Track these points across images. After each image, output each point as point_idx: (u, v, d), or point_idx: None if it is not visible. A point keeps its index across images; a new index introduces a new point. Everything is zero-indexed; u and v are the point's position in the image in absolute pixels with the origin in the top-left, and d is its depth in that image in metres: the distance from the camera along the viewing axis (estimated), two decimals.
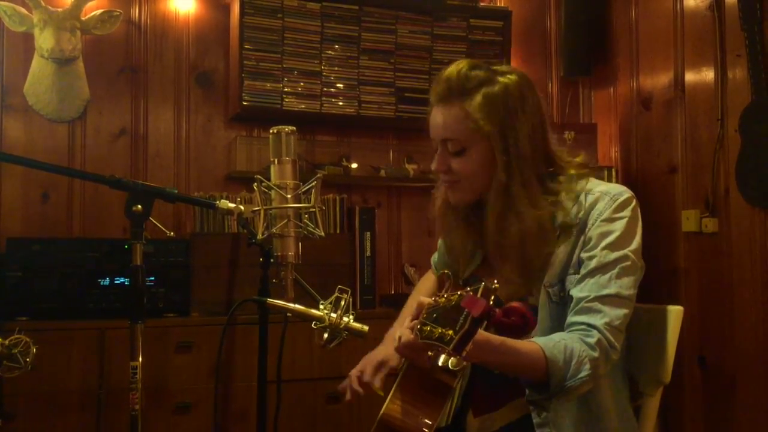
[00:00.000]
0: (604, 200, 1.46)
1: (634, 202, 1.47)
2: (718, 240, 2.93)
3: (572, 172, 1.52)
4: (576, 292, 1.41)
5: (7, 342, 1.79)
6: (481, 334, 1.22)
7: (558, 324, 1.43)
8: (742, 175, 2.78)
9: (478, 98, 1.47)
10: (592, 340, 1.35)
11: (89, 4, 3.06)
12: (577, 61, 3.59)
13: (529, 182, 1.47)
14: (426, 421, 1.36)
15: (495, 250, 1.54)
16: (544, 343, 1.32)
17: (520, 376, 1.37)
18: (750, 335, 2.77)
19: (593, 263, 1.41)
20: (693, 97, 3.07)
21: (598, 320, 1.37)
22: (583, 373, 1.32)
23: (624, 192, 1.47)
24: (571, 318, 1.40)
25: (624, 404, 1.51)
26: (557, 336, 1.36)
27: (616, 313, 1.38)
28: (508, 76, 1.50)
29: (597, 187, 1.49)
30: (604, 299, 1.38)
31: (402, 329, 1.28)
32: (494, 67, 1.52)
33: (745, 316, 2.79)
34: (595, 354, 1.34)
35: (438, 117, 1.51)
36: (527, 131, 1.48)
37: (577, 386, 1.33)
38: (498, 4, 3.68)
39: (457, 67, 1.49)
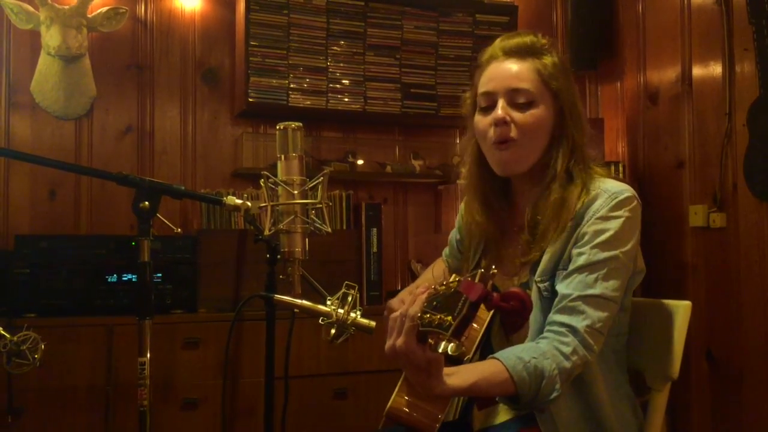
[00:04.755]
0: (602, 197, 1.43)
1: (634, 203, 1.43)
2: (725, 235, 2.92)
3: (596, 171, 1.52)
4: (561, 288, 1.40)
5: (15, 338, 1.80)
6: (452, 383, 1.21)
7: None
8: (750, 169, 2.77)
9: (549, 59, 1.50)
10: (567, 349, 1.33)
11: (95, 2, 3.06)
12: (584, 56, 3.57)
13: (582, 146, 1.50)
14: (433, 413, 1.36)
15: (518, 214, 1.54)
16: (512, 365, 1.28)
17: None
18: (758, 330, 2.76)
19: (581, 260, 1.39)
20: (700, 91, 3.06)
21: (579, 322, 1.35)
22: (554, 394, 1.31)
23: (625, 191, 1.44)
24: (553, 316, 1.39)
25: (621, 403, 1.49)
26: (528, 353, 1.32)
27: (599, 315, 1.36)
28: (556, 53, 1.54)
29: (599, 183, 1.47)
30: (587, 299, 1.37)
31: (400, 338, 1.20)
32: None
33: (753, 310, 2.78)
34: (568, 365, 1.32)
35: (509, 67, 1.49)
36: (581, 104, 1.53)
37: (549, 402, 1.32)
38: None
39: (525, 33, 1.54)
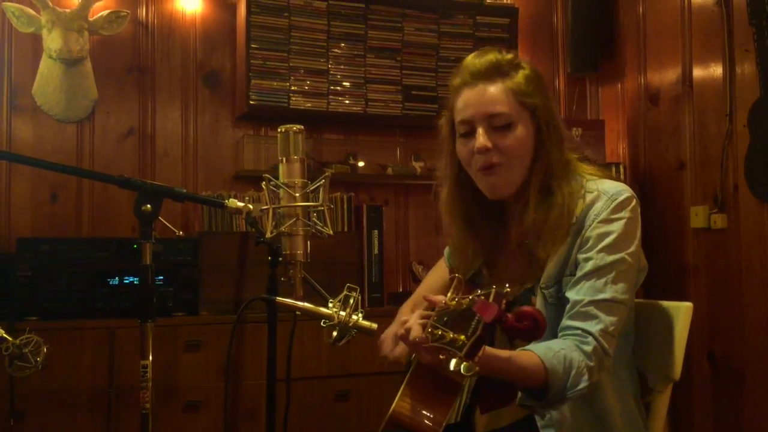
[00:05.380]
0: (602, 200, 1.43)
1: (633, 202, 1.44)
2: (726, 236, 2.92)
3: (588, 171, 1.52)
4: (572, 295, 1.40)
5: (18, 341, 1.80)
6: (490, 349, 1.23)
7: (555, 326, 1.42)
8: (751, 170, 2.77)
9: (519, 76, 1.48)
10: (588, 348, 1.34)
11: (97, 5, 3.07)
12: (584, 57, 3.58)
13: (568, 162, 1.49)
14: (436, 417, 1.36)
15: (513, 224, 1.53)
16: (543, 353, 1.30)
17: (518, 385, 1.36)
18: (759, 331, 2.76)
19: (589, 266, 1.40)
20: (701, 92, 3.06)
21: (593, 326, 1.36)
22: (582, 385, 1.32)
23: (623, 191, 1.44)
24: (566, 322, 1.39)
25: (629, 403, 1.50)
26: (555, 345, 1.34)
27: (611, 319, 1.37)
28: (529, 63, 1.52)
29: (596, 185, 1.47)
30: (599, 304, 1.37)
31: (411, 322, 1.28)
32: (516, 58, 1.54)
33: (755, 311, 2.78)
34: (592, 363, 1.33)
35: (481, 93, 1.47)
36: (557, 113, 1.51)
37: (575, 396, 1.33)
38: (504, 1, 3.67)
39: (488, 52, 1.50)
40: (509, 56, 1.50)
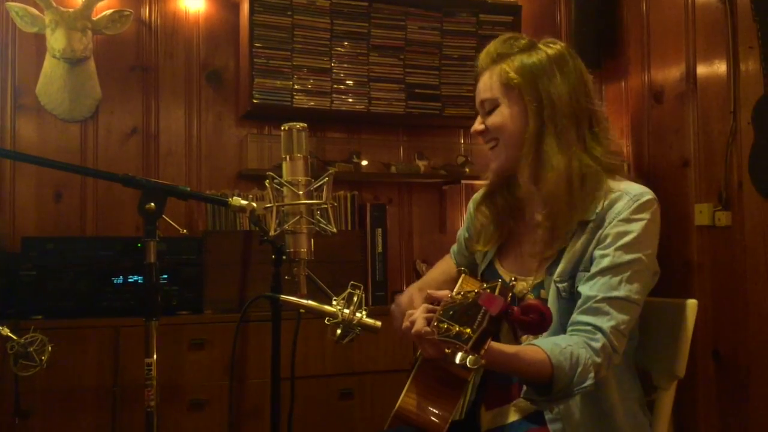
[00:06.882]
0: (624, 200, 1.43)
1: (655, 206, 1.44)
2: (731, 233, 2.91)
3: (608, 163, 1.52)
4: (585, 290, 1.40)
5: (22, 340, 1.80)
6: (495, 345, 1.23)
7: (566, 320, 1.42)
8: (756, 167, 2.76)
9: (515, 60, 1.51)
10: (597, 345, 1.34)
11: (100, 4, 3.07)
12: (588, 55, 3.56)
13: (565, 132, 1.47)
14: (442, 413, 1.36)
15: (528, 211, 1.55)
16: (550, 349, 1.31)
17: (524, 379, 1.36)
18: (764, 328, 2.76)
19: (606, 262, 1.40)
20: (705, 89, 3.05)
21: (604, 323, 1.36)
22: (588, 382, 1.32)
23: (646, 193, 1.44)
24: (577, 317, 1.39)
25: (631, 402, 1.50)
26: (562, 341, 1.35)
27: (623, 318, 1.37)
28: (552, 46, 1.53)
29: (620, 185, 1.47)
30: (612, 301, 1.37)
31: (416, 315, 1.28)
32: (542, 42, 1.55)
33: (759, 308, 2.78)
34: (599, 360, 1.34)
35: (480, 83, 1.56)
36: (567, 88, 1.49)
37: (582, 390, 1.33)
38: None
39: (503, 36, 1.57)
40: (524, 40, 1.54)
